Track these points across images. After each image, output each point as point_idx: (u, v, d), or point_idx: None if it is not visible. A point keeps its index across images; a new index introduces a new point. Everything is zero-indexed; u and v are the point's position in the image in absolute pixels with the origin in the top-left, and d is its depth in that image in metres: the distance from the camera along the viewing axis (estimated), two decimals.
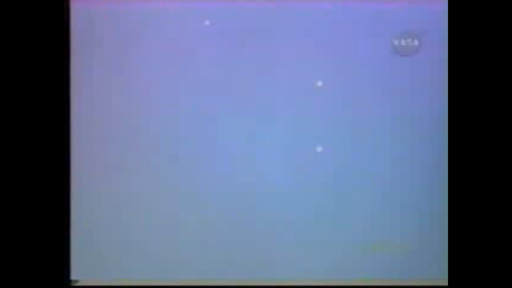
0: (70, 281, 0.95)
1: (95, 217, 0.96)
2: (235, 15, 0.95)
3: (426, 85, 0.95)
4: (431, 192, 0.95)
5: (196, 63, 0.96)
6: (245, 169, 0.96)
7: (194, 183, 0.96)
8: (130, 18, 0.95)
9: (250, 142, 0.96)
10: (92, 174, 0.96)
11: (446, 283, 0.89)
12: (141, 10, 0.95)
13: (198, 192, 0.96)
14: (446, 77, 0.93)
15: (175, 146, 0.96)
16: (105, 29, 0.95)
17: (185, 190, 0.96)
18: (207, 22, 0.95)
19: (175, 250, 0.96)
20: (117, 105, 0.96)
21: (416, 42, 0.95)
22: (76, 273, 0.96)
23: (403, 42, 0.95)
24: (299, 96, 0.96)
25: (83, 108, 0.95)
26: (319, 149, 0.96)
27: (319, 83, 0.96)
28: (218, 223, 0.96)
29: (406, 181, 0.96)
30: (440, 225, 0.95)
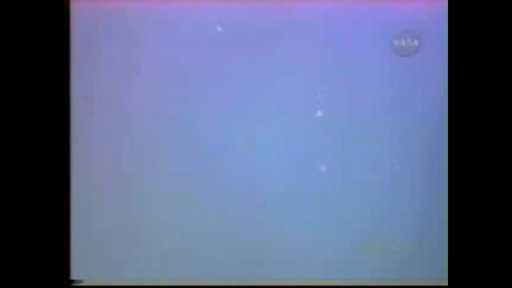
0: (70, 281, 0.95)
1: (95, 217, 0.96)
2: (236, 15, 0.95)
3: (426, 85, 0.95)
4: (431, 192, 0.95)
5: (198, 63, 0.96)
6: (245, 169, 0.96)
7: (194, 183, 0.96)
8: (130, 18, 0.95)
9: (250, 142, 0.96)
10: (92, 174, 0.96)
11: (446, 283, 0.89)
12: (141, 9, 0.95)
13: (199, 192, 0.96)
14: (446, 77, 0.93)
15: (176, 146, 0.96)
16: (105, 29, 0.95)
17: (186, 190, 0.96)
18: (210, 22, 0.95)
19: (175, 250, 0.96)
20: (117, 105, 0.96)
21: (416, 42, 0.95)
22: (76, 273, 0.96)
23: (403, 42, 0.95)
24: (299, 94, 0.96)
25: (83, 108, 0.95)
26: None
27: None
28: (218, 223, 0.96)
29: (406, 180, 0.96)
30: (440, 225, 0.95)
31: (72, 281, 0.96)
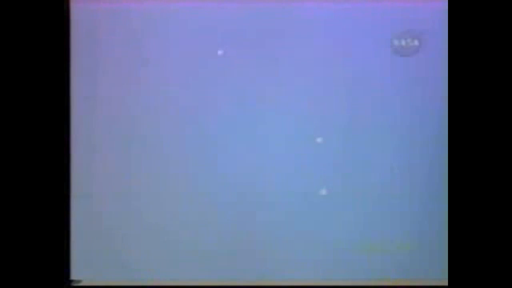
0: (70, 281, 0.95)
1: (95, 217, 0.96)
2: (237, 15, 0.95)
3: (426, 85, 0.95)
4: (431, 192, 0.95)
5: (198, 63, 0.96)
6: (245, 169, 0.96)
7: (194, 183, 0.96)
8: (130, 17, 0.95)
9: (250, 141, 0.96)
10: (92, 174, 0.96)
11: (446, 283, 0.89)
12: (142, 9, 0.95)
13: (198, 192, 0.96)
14: (446, 77, 0.93)
15: (176, 147, 0.96)
16: (105, 29, 0.95)
17: (186, 190, 0.96)
18: (211, 23, 0.95)
19: (175, 250, 0.96)
20: (117, 105, 0.96)
21: (416, 42, 0.95)
22: (76, 273, 0.96)
23: (403, 42, 0.95)
24: (299, 94, 0.96)
25: (83, 108, 0.95)
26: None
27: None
28: (218, 223, 0.96)
29: (406, 180, 0.96)
30: (440, 225, 0.95)
31: (72, 281, 0.96)
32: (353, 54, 0.95)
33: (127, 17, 0.95)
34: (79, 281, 0.96)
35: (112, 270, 0.96)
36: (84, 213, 0.96)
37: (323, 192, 0.96)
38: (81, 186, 0.95)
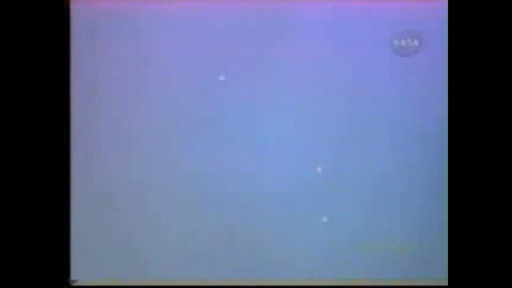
0: (70, 281, 0.95)
1: (95, 217, 0.96)
2: (236, 15, 0.95)
3: (426, 85, 0.95)
4: (431, 192, 0.95)
5: (198, 63, 0.96)
6: (245, 169, 0.96)
7: (194, 184, 0.96)
8: (130, 17, 0.95)
9: (251, 142, 0.96)
10: (92, 174, 0.96)
11: (446, 283, 0.89)
12: (141, 9, 0.95)
13: (198, 193, 0.96)
14: (446, 77, 0.93)
15: (175, 147, 0.96)
16: (105, 29, 0.95)
17: (185, 191, 0.96)
18: (210, 22, 0.95)
19: (174, 250, 0.96)
20: (117, 105, 0.96)
21: (416, 42, 0.95)
22: (76, 273, 0.96)
23: (403, 42, 0.95)
24: (299, 94, 0.96)
25: (83, 108, 0.95)
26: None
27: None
28: (217, 224, 0.96)
29: (406, 180, 0.96)
30: (440, 225, 0.95)
31: (72, 281, 0.96)
32: (353, 54, 0.95)
33: (127, 17, 0.95)
34: (74, 281, 0.96)
35: (112, 270, 0.96)
36: (84, 213, 0.96)
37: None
38: (81, 186, 0.95)
